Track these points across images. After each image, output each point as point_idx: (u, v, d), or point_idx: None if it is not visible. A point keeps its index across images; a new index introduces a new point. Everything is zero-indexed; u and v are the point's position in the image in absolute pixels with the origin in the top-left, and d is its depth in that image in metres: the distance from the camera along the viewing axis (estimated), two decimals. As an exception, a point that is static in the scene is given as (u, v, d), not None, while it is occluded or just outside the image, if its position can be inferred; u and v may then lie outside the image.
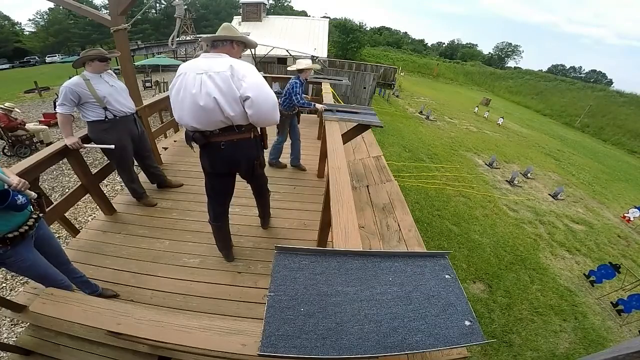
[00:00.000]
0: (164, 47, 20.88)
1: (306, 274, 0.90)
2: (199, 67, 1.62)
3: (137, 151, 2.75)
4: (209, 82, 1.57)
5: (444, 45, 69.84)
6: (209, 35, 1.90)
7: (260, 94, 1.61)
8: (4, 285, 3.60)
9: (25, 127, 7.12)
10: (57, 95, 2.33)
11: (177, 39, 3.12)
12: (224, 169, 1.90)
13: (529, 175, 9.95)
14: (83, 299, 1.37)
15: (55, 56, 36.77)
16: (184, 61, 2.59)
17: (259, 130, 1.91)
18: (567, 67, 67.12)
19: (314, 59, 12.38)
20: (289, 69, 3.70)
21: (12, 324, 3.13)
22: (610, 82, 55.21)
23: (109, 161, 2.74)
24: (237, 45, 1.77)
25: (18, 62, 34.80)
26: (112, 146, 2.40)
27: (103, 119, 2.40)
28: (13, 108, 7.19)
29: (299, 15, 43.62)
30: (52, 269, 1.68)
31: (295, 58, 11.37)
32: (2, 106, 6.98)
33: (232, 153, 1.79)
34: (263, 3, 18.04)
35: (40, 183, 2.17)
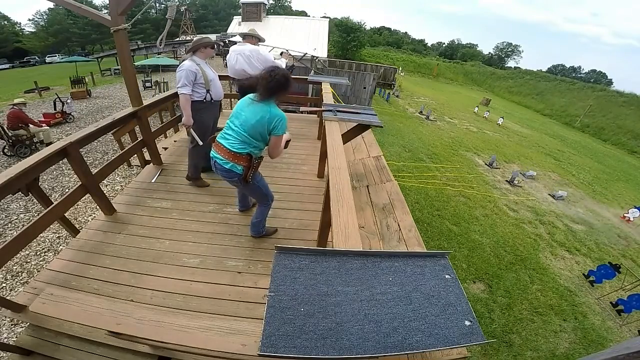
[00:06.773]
0: (164, 47, 20.89)
1: (306, 274, 0.89)
2: (237, 50, 3.42)
3: None
4: (239, 57, 3.40)
5: (444, 45, 69.88)
6: (242, 32, 3.67)
7: (265, 60, 3.39)
8: (4, 285, 3.59)
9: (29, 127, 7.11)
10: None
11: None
12: (243, 93, 3.47)
13: (528, 175, 9.96)
14: (83, 299, 1.37)
15: (55, 56, 36.65)
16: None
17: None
18: (567, 67, 66.98)
19: (313, 58, 12.38)
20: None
21: (12, 324, 3.13)
22: (610, 82, 55.12)
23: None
24: (254, 39, 3.52)
25: (18, 62, 34.78)
26: (201, 143, 2.82)
27: (202, 99, 2.77)
28: (24, 104, 7.16)
29: (299, 15, 43.62)
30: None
31: (295, 57, 11.36)
32: (12, 103, 6.94)
33: (246, 86, 3.28)
34: (263, 3, 17.96)
35: (40, 183, 2.16)
